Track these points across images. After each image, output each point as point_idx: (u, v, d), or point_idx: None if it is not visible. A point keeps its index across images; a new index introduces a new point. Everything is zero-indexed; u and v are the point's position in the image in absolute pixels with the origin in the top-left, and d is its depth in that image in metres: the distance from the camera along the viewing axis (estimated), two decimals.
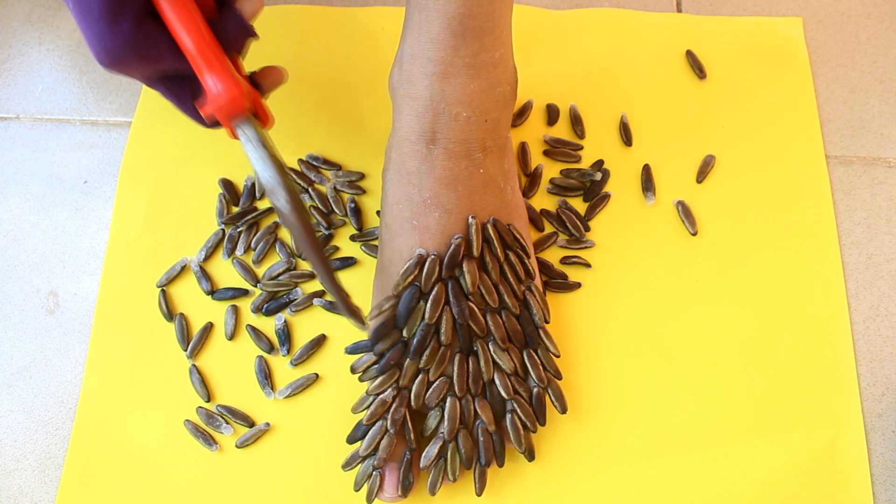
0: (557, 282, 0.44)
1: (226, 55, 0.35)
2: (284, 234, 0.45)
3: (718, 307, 0.43)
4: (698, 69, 0.49)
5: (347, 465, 0.39)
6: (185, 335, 0.43)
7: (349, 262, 0.44)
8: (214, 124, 0.36)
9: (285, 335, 0.42)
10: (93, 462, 0.40)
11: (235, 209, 0.45)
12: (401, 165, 0.38)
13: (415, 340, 0.37)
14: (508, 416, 0.38)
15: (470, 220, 0.38)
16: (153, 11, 0.33)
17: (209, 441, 0.40)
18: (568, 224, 0.45)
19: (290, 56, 0.49)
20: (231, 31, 0.35)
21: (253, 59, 0.49)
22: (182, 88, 0.36)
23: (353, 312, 0.36)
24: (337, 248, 0.45)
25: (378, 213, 0.45)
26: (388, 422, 0.37)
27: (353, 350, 0.39)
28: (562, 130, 0.48)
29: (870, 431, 0.41)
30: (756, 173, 0.47)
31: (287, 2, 0.51)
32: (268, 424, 0.41)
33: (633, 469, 0.40)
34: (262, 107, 0.37)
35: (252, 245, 0.44)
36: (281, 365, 0.42)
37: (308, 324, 0.43)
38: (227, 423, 0.41)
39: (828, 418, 0.41)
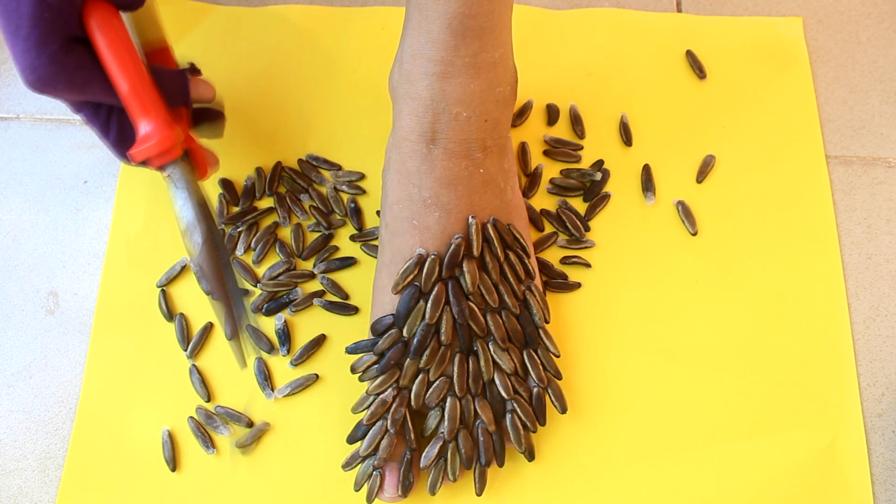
0: (557, 282, 0.44)
1: (159, 98, 0.34)
2: (284, 235, 0.45)
3: (718, 307, 0.43)
4: (698, 69, 0.49)
5: (347, 465, 0.39)
6: (185, 335, 0.43)
7: (349, 262, 0.44)
8: (142, 163, 0.35)
9: (285, 335, 0.42)
10: (93, 462, 0.40)
11: (235, 209, 0.45)
12: (401, 165, 0.38)
13: (415, 340, 0.37)
14: (508, 416, 0.38)
15: (470, 219, 0.38)
16: (86, 39, 0.33)
17: (207, 444, 0.40)
18: (568, 224, 0.45)
19: (290, 56, 0.49)
20: (169, 86, 0.36)
21: (253, 60, 0.49)
22: (108, 119, 0.36)
23: (241, 355, 0.36)
24: (337, 248, 0.45)
25: (378, 213, 0.45)
26: (389, 422, 0.37)
27: (353, 350, 0.39)
28: (562, 130, 0.48)
29: (870, 431, 0.41)
30: (756, 173, 0.47)
31: (287, 2, 0.51)
32: (266, 424, 0.41)
33: (633, 469, 0.40)
34: (199, 152, 0.37)
35: (252, 245, 0.44)
36: (281, 365, 0.42)
37: (308, 324, 0.43)
38: (226, 424, 0.41)
39: (828, 418, 0.41)
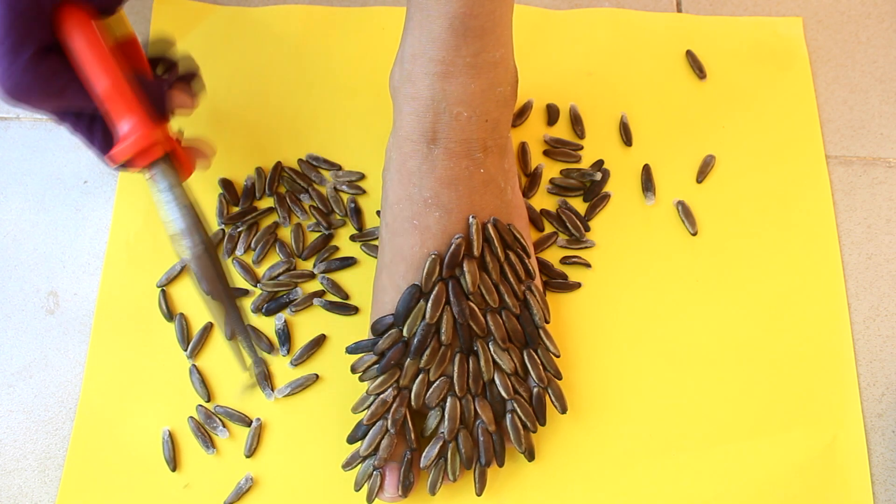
0: (557, 282, 0.44)
1: (137, 99, 0.34)
2: (284, 234, 0.45)
3: (718, 307, 0.43)
4: (698, 69, 0.49)
5: (348, 465, 0.39)
6: (185, 335, 0.43)
7: (349, 262, 0.44)
8: (123, 165, 0.35)
9: (285, 335, 0.42)
10: (93, 462, 0.40)
11: (235, 209, 0.45)
12: (401, 165, 0.38)
13: (415, 340, 0.37)
14: (508, 415, 0.38)
15: (470, 219, 0.38)
16: (58, 47, 0.33)
17: (207, 444, 0.40)
18: (568, 224, 0.45)
19: (290, 56, 0.49)
20: (151, 93, 0.35)
21: (254, 60, 0.49)
22: (92, 126, 0.36)
23: (241, 357, 0.36)
24: (337, 248, 0.45)
25: (378, 213, 0.45)
26: (389, 422, 0.37)
27: (353, 350, 0.39)
28: (562, 130, 0.48)
29: (870, 431, 0.41)
30: (756, 173, 0.47)
31: (287, 2, 0.51)
32: (259, 420, 0.41)
33: (633, 469, 0.40)
34: (184, 152, 0.37)
35: (252, 245, 0.44)
36: (281, 365, 0.42)
37: (308, 324, 0.43)
38: (224, 426, 0.41)
39: (828, 418, 0.41)
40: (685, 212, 0.45)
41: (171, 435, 0.40)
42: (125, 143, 0.34)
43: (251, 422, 0.41)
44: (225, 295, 0.35)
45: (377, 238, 0.43)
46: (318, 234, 0.45)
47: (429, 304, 0.37)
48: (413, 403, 0.38)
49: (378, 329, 0.39)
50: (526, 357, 0.39)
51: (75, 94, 0.33)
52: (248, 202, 0.45)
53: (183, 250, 0.35)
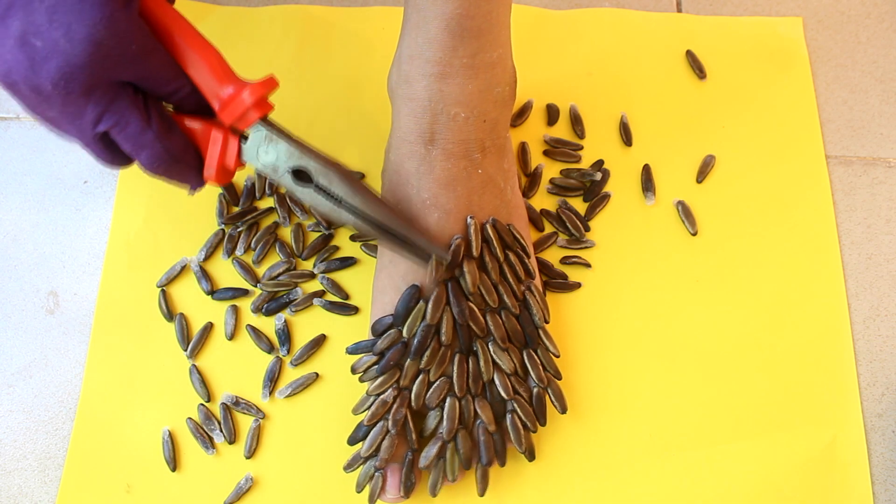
0: (557, 282, 0.44)
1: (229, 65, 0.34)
2: (284, 234, 0.45)
3: (718, 307, 0.43)
4: (698, 69, 0.49)
5: (349, 466, 0.39)
6: (185, 335, 0.43)
7: (349, 262, 0.44)
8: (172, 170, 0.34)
9: (285, 335, 0.42)
10: (93, 462, 0.40)
11: (235, 209, 0.45)
12: (399, 166, 0.38)
13: (415, 341, 0.37)
14: (508, 416, 0.38)
15: (469, 220, 0.38)
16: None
17: (207, 444, 0.40)
18: (568, 224, 0.45)
19: (290, 56, 0.49)
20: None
21: (254, 59, 0.49)
22: (147, 108, 0.32)
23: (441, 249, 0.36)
24: (337, 248, 0.45)
25: None
26: (390, 422, 0.37)
27: (353, 350, 0.39)
28: (562, 130, 0.48)
29: (870, 431, 0.41)
30: (756, 173, 0.47)
31: (287, 2, 0.51)
32: (257, 421, 0.41)
33: (633, 469, 0.40)
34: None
35: (252, 245, 0.44)
36: (281, 365, 0.42)
37: (308, 324, 0.43)
38: (221, 430, 0.41)
39: (828, 418, 0.41)
40: (685, 212, 0.45)
41: (171, 435, 0.41)
42: (247, 91, 0.34)
43: (256, 410, 0.41)
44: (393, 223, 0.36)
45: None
46: (318, 234, 0.45)
47: (429, 305, 0.37)
48: (413, 404, 0.38)
49: (378, 329, 0.39)
50: (526, 357, 0.39)
51: (163, 60, 0.32)
52: (248, 202, 0.45)
53: (331, 186, 0.35)
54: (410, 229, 0.36)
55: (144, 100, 0.32)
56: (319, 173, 0.35)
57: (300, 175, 0.35)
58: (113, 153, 0.33)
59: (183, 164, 0.34)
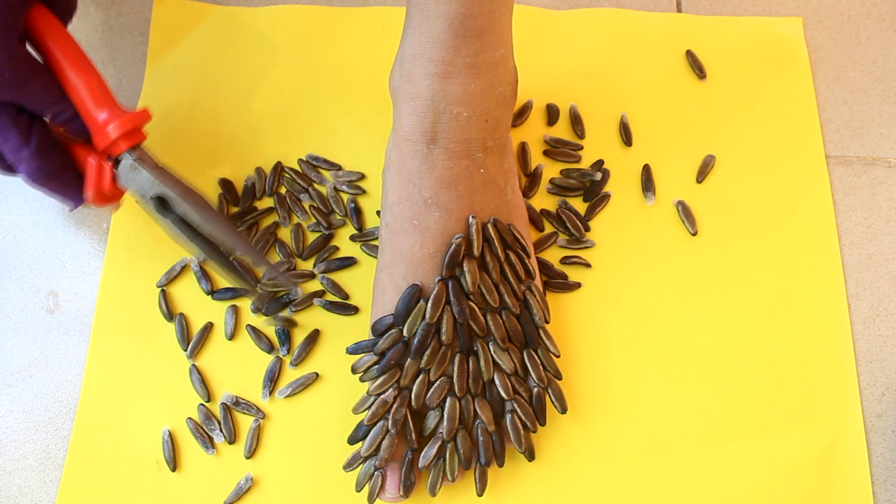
0: (557, 282, 0.44)
1: (110, 93, 0.37)
2: (284, 235, 0.45)
3: (718, 307, 0.43)
4: (698, 69, 0.49)
5: (349, 465, 0.39)
6: (185, 335, 0.43)
7: (349, 262, 0.44)
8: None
9: (285, 335, 0.42)
10: (93, 462, 0.40)
11: (235, 209, 0.45)
12: (401, 165, 0.38)
13: (415, 340, 0.37)
14: (508, 416, 0.38)
15: (470, 219, 0.38)
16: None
17: (207, 444, 0.40)
18: (568, 224, 0.45)
19: (290, 56, 0.49)
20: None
21: (253, 60, 0.49)
22: (30, 126, 0.35)
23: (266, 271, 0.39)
24: (337, 248, 0.45)
25: (378, 213, 0.45)
26: (390, 422, 0.37)
27: (353, 350, 0.39)
28: (562, 130, 0.48)
29: (870, 431, 0.41)
30: (756, 173, 0.47)
31: (287, 2, 0.51)
32: (257, 421, 0.41)
33: (633, 469, 0.40)
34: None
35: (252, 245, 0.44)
36: (281, 365, 0.42)
37: (308, 324, 0.43)
38: (221, 430, 0.41)
39: (828, 418, 0.41)
40: (685, 212, 0.45)
41: (171, 435, 0.40)
42: (117, 122, 0.36)
43: (256, 410, 0.41)
44: (215, 249, 0.39)
45: (377, 238, 0.43)
46: (318, 234, 0.45)
47: (429, 304, 0.37)
48: (413, 404, 0.38)
49: (378, 329, 0.39)
50: (526, 357, 0.39)
51: (41, 84, 0.34)
52: (248, 202, 0.45)
53: (183, 208, 0.37)
54: (260, 257, 0.39)
55: (29, 118, 0.35)
56: (176, 202, 0.37)
57: (164, 203, 0.37)
58: None
59: (59, 183, 0.37)
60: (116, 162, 0.37)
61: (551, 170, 0.47)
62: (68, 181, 0.37)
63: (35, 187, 0.37)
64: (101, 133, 0.36)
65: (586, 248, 0.45)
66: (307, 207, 0.45)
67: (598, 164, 0.47)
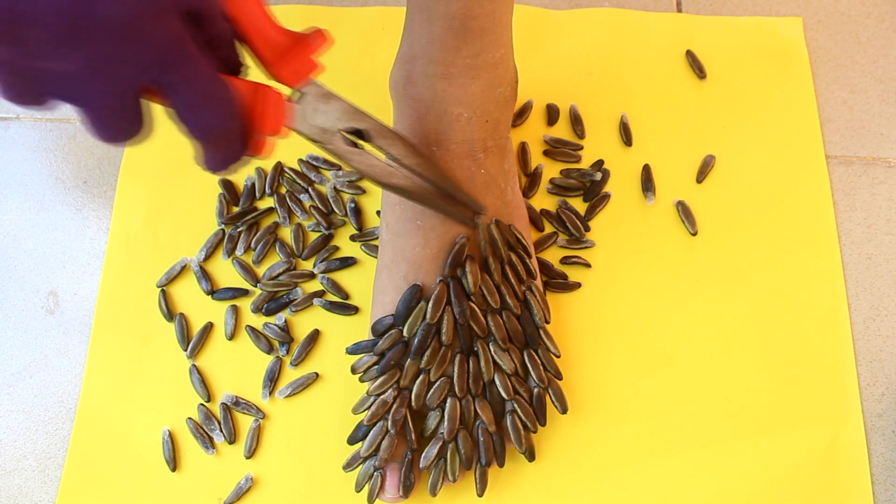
0: (557, 282, 0.44)
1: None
2: (284, 234, 0.45)
3: (718, 307, 0.43)
4: (698, 69, 0.49)
5: (348, 465, 0.39)
6: (185, 335, 0.42)
7: (349, 262, 0.44)
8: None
9: (285, 335, 0.42)
10: (93, 462, 0.40)
11: (235, 209, 0.45)
12: None
13: (416, 340, 0.37)
14: (509, 416, 0.38)
15: (476, 219, 0.38)
16: None
17: (207, 444, 0.40)
18: (568, 224, 0.45)
19: None
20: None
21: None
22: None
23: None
24: (337, 248, 0.45)
25: (378, 213, 0.45)
26: (389, 422, 0.37)
27: (353, 350, 0.39)
28: (562, 130, 0.48)
29: (870, 431, 0.41)
30: (756, 173, 0.47)
31: (287, 2, 0.51)
32: (257, 421, 0.41)
33: (633, 469, 0.40)
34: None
35: (252, 245, 0.44)
36: (281, 365, 0.42)
37: (308, 324, 0.43)
38: (220, 430, 0.41)
39: (828, 418, 0.41)
40: (685, 212, 0.45)
41: (170, 435, 0.40)
42: (301, 50, 0.30)
43: (256, 410, 0.41)
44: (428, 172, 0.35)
45: (377, 238, 0.43)
46: (318, 234, 0.45)
47: (430, 305, 0.37)
48: (413, 404, 0.38)
49: (378, 329, 0.39)
50: (526, 357, 0.39)
51: None
52: (248, 202, 0.45)
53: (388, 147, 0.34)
54: (459, 190, 0.36)
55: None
56: (378, 134, 0.33)
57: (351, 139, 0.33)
58: (131, 121, 0.27)
59: (233, 130, 0.28)
60: (295, 95, 0.31)
61: (551, 170, 0.47)
62: (240, 127, 0.28)
63: (203, 142, 0.28)
64: (287, 57, 0.29)
65: (586, 248, 0.45)
66: (307, 207, 0.45)
67: (598, 164, 0.47)
